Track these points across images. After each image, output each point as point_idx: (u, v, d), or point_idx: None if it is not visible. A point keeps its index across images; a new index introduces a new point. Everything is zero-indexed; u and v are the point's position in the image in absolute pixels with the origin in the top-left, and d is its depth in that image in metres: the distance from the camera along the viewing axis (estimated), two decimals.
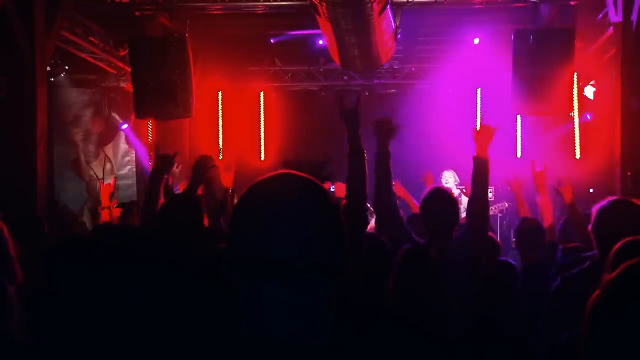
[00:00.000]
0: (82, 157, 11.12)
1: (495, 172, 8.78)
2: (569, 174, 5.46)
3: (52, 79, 9.09)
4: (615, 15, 7.48)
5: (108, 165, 11.23)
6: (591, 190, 9.18)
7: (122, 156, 11.35)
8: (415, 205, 5.62)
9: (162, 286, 2.93)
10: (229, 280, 1.22)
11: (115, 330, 2.66)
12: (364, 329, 2.57)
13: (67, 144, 11.02)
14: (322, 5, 6.84)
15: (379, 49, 8.58)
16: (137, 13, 8.97)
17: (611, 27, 8.06)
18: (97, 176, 10.99)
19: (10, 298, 1.90)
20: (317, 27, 8.07)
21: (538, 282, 3.59)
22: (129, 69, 9.21)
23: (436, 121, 11.10)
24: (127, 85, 10.07)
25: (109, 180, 7.46)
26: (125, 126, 10.99)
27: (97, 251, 3.04)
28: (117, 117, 11.05)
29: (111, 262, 3.04)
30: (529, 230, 4.49)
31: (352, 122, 3.29)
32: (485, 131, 3.67)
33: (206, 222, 4.02)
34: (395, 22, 8.40)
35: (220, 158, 11.59)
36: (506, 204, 10.00)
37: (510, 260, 4.14)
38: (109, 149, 11.28)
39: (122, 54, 9.73)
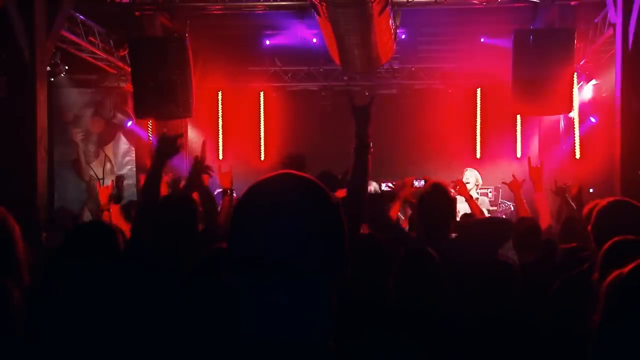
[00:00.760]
0: (82, 157, 11.12)
1: (496, 173, 8.81)
2: (570, 175, 5.48)
3: (52, 79, 9.09)
4: (615, 15, 7.48)
5: (108, 165, 11.22)
6: (591, 190, 9.18)
7: (122, 156, 11.34)
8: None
9: (155, 287, 2.93)
10: (228, 280, 1.21)
11: (111, 333, 2.66)
12: (365, 329, 2.57)
13: (67, 144, 11.02)
14: (322, 5, 6.84)
15: (379, 49, 8.58)
16: (137, 13, 8.98)
17: (611, 27, 8.06)
18: (97, 176, 10.99)
19: (14, 299, 1.89)
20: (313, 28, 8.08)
21: (536, 281, 3.59)
22: (129, 69, 9.21)
23: (436, 121, 11.11)
24: (127, 85, 10.06)
25: (109, 181, 7.46)
26: (130, 123, 10.99)
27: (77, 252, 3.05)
28: (121, 115, 11.04)
29: (97, 264, 3.04)
30: (525, 229, 4.49)
31: (363, 118, 3.28)
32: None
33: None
34: (395, 22, 8.40)
35: (220, 158, 11.61)
36: (511, 207, 10.00)
37: (509, 260, 4.13)
38: (109, 149, 11.28)
39: (122, 54, 9.73)
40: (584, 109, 10.32)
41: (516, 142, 11.43)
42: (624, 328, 1.28)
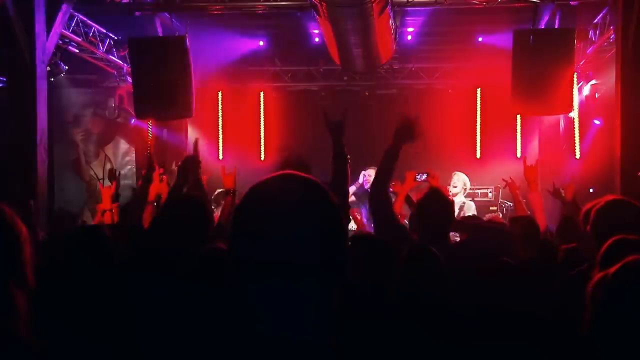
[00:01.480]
0: (82, 157, 11.12)
1: (496, 173, 8.79)
2: (570, 175, 5.49)
3: (52, 79, 9.09)
4: (615, 15, 7.49)
5: (108, 165, 11.22)
6: (591, 190, 9.18)
7: (122, 156, 11.35)
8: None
9: (158, 286, 2.93)
10: (230, 280, 1.22)
11: (114, 333, 2.66)
12: (367, 328, 2.57)
13: (67, 144, 11.02)
14: (322, 5, 6.84)
15: (379, 49, 8.59)
16: (137, 13, 8.97)
17: (611, 27, 8.07)
18: (97, 176, 10.98)
19: (16, 299, 1.89)
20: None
21: (533, 280, 3.58)
22: (129, 69, 9.21)
23: (436, 121, 11.10)
24: (127, 85, 10.06)
25: (109, 182, 7.45)
26: (133, 120, 10.99)
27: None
28: (125, 114, 11.04)
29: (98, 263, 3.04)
30: (521, 227, 4.49)
31: (337, 132, 3.73)
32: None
33: None
34: (395, 22, 8.40)
35: (220, 158, 11.61)
36: (511, 207, 10.00)
37: (508, 259, 4.13)
38: (109, 149, 11.28)
39: (122, 54, 9.73)
40: (584, 109, 10.31)
41: (516, 142, 11.43)
42: (611, 329, 1.28)
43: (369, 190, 8.00)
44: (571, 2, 8.55)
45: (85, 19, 9.02)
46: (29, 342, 1.72)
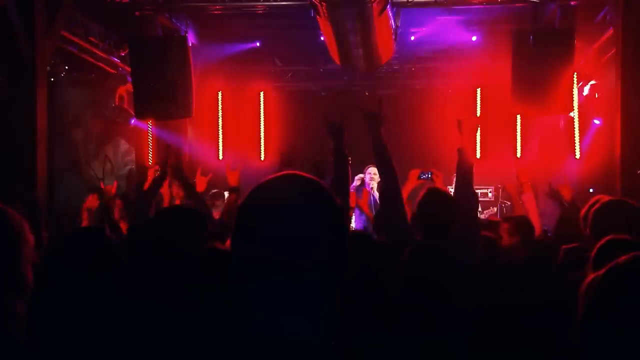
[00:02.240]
0: (82, 157, 11.12)
1: (496, 173, 8.81)
2: (567, 174, 5.49)
3: (52, 79, 9.08)
4: (615, 15, 7.48)
5: (108, 165, 11.22)
6: (591, 190, 9.18)
7: (122, 156, 11.35)
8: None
9: (156, 286, 2.92)
10: (232, 279, 1.22)
11: (111, 334, 2.66)
12: (368, 328, 2.57)
13: (67, 144, 11.02)
14: (322, 6, 6.85)
15: (379, 49, 8.59)
16: (137, 13, 8.97)
17: (611, 27, 8.06)
18: (97, 176, 10.98)
19: (12, 300, 1.88)
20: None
21: (530, 279, 3.59)
22: (129, 69, 9.21)
23: (436, 121, 11.11)
24: (127, 85, 10.06)
25: (110, 182, 7.46)
26: (133, 121, 10.98)
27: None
28: (125, 114, 11.03)
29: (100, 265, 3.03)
30: (519, 226, 4.50)
31: (337, 135, 3.78)
32: (470, 121, 3.75)
33: None
34: (395, 22, 8.40)
35: (220, 158, 11.61)
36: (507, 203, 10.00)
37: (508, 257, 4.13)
38: (109, 149, 11.28)
39: (122, 54, 9.73)
40: (584, 109, 10.31)
41: (516, 142, 11.43)
42: (599, 331, 1.28)
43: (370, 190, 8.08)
44: (571, 2, 8.55)
45: (85, 19, 9.02)
46: (24, 342, 1.72)
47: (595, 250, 2.44)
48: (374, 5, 6.87)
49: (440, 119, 11.06)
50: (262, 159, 11.72)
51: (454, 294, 3.02)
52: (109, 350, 2.63)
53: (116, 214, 5.48)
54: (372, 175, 8.40)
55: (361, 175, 8.54)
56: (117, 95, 10.82)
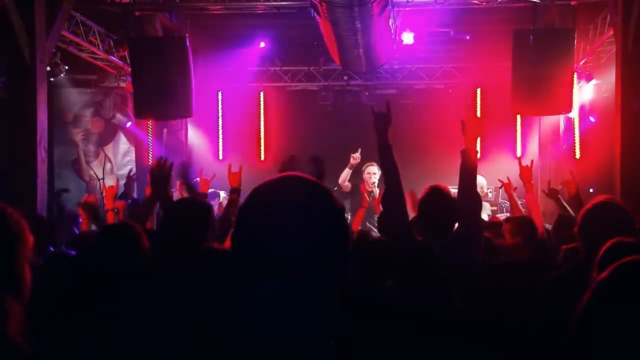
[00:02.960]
0: (82, 157, 11.12)
1: (495, 173, 8.82)
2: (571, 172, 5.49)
3: (52, 79, 9.08)
4: (615, 15, 7.48)
5: (108, 165, 11.23)
6: (591, 190, 9.18)
7: (122, 156, 11.35)
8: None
9: (162, 287, 2.92)
10: (232, 278, 1.23)
11: (114, 336, 2.66)
12: (369, 328, 2.57)
13: (67, 144, 11.02)
14: (322, 6, 6.85)
15: (379, 49, 8.59)
16: (137, 13, 8.97)
17: (611, 27, 8.06)
18: (97, 176, 10.99)
19: (8, 301, 1.88)
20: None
21: (529, 279, 3.59)
22: (129, 69, 9.21)
23: (436, 121, 11.11)
24: (127, 85, 10.06)
25: (111, 182, 7.46)
26: (129, 124, 10.99)
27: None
28: (120, 116, 11.05)
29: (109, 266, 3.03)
30: (519, 226, 4.50)
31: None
32: (473, 122, 3.73)
33: None
34: (395, 22, 8.41)
35: (220, 158, 11.61)
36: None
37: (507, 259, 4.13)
38: (109, 149, 11.28)
39: (122, 54, 9.74)
40: (584, 109, 10.32)
41: (516, 142, 11.43)
42: (602, 331, 1.28)
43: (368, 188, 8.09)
44: (571, 2, 8.55)
45: (85, 19, 9.02)
46: (21, 345, 1.71)
47: (600, 254, 2.43)
48: (374, 5, 6.87)
49: (440, 119, 11.08)
50: (262, 159, 11.72)
51: (454, 294, 3.02)
52: (108, 350, 2.63)
53: (120, 215, 5.47)
54: (371, 175, 8.43)
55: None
56: (111, 96, 10.83)
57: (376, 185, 8.29)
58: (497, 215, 8.32)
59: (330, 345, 1.20)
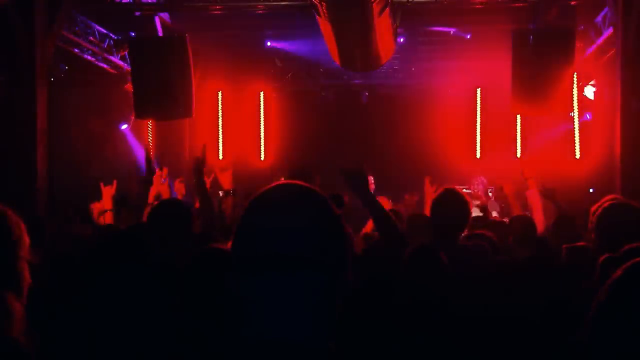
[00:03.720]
0: (82, 157, 11.10)
1: (495, 173, 8.82)
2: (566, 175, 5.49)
3: (52, 79, 9.08)
4: (615, 15, 7.48)
5: (108, 165, 11.20)
6: (591, 190, 9.18)
7: (122, 156, 11.33)
8: None
9: (150, 287, 2.92)
10: (230, 279, 1.24)
11: (106, 335, 2.65)
12: (369, 329, 2.57)
13: (67, 144, 11.00)
14: (322, 6, 6.85)
15: (379, 49, 8.59)
16: (137, 13, 8.97)
17: (611, 27, 8.06)
18: (97, 176, 10.96)
19: (8, 300, 1.88)
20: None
21: (529, 278, 3.59)
22: (129, 69, 9.21)
23: (436, 121, 11.12)
24: (127, 85, 10.06)
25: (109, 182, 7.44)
26: (125, 126, 10.99)
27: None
28: (120, 116, 11.04)
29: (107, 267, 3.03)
30: (520, 226, 4.51)
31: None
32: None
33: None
34: (395, 22, 8.41)
35: (220, 158, 11.61)
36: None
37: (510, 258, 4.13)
38: (108, 149, 11.26)
39: (122, 54, 9.74)
40: (584, 109, 10.31)
41: (516, 142, 11.42)
42: (614, 329, 1.28)
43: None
44: (571, 2, 8.55)
45: (85, 19, 9.02)
46: (22, 342, 1.72)
47: (621, 255, 2.43)
48: (374, 5, 6.87)
49: (440, 118, 11.09)
50: (262, 159, 11.72)
51: (454, 295, 3.01)
52: (106, 350, 2.63)
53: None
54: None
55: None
56: (113, 97, 10.84)
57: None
58: (496, 215, 8.33)
59: (327, 346, 1.20)
